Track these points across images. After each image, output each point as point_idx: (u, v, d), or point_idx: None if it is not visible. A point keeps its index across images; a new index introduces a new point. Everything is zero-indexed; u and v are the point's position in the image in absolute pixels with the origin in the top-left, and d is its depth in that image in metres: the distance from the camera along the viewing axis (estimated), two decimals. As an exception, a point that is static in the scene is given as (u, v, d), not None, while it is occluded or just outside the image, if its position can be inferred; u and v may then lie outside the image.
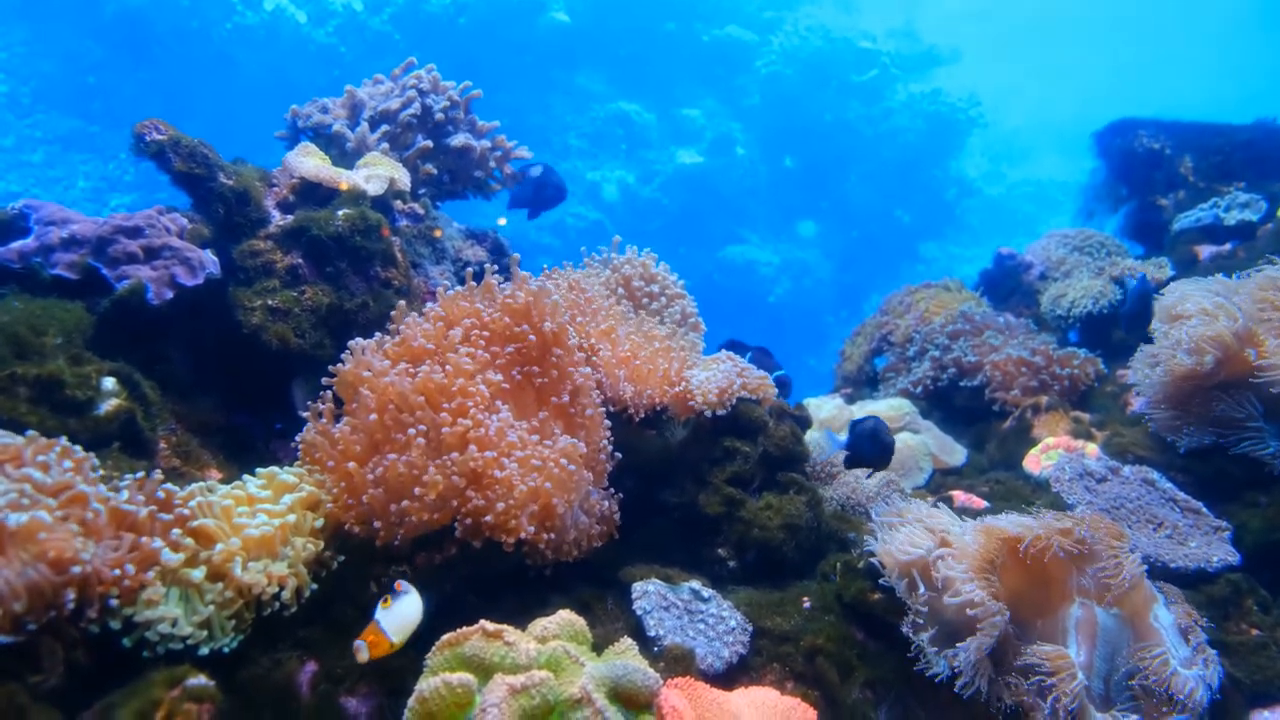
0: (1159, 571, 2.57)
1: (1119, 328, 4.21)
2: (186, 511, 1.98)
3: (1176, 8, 27.53)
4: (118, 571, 1.74)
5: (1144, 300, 3.46)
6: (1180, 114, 5.27)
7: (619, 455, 2.62)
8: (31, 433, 1.88)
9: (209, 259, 2.75)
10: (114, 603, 1.75)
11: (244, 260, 2.83)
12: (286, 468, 2.37)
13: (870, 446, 2.79)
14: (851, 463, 2.90)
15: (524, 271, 2.69)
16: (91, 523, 1.76)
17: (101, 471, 1.94)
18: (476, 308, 2.56)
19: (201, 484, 2.18)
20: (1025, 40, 29.38)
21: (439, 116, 3.64)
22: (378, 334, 2.55)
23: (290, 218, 2.96)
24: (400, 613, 1.87)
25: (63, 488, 1.76)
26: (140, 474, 2.00)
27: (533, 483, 2.20)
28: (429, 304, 2.74)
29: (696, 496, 2.77)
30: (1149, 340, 3.19)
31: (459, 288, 2.66)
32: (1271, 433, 2.85)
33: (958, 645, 2.00)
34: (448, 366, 2.33)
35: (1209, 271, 3.72)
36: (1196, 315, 2.96)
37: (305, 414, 2.43)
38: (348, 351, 2.45)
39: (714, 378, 2.84)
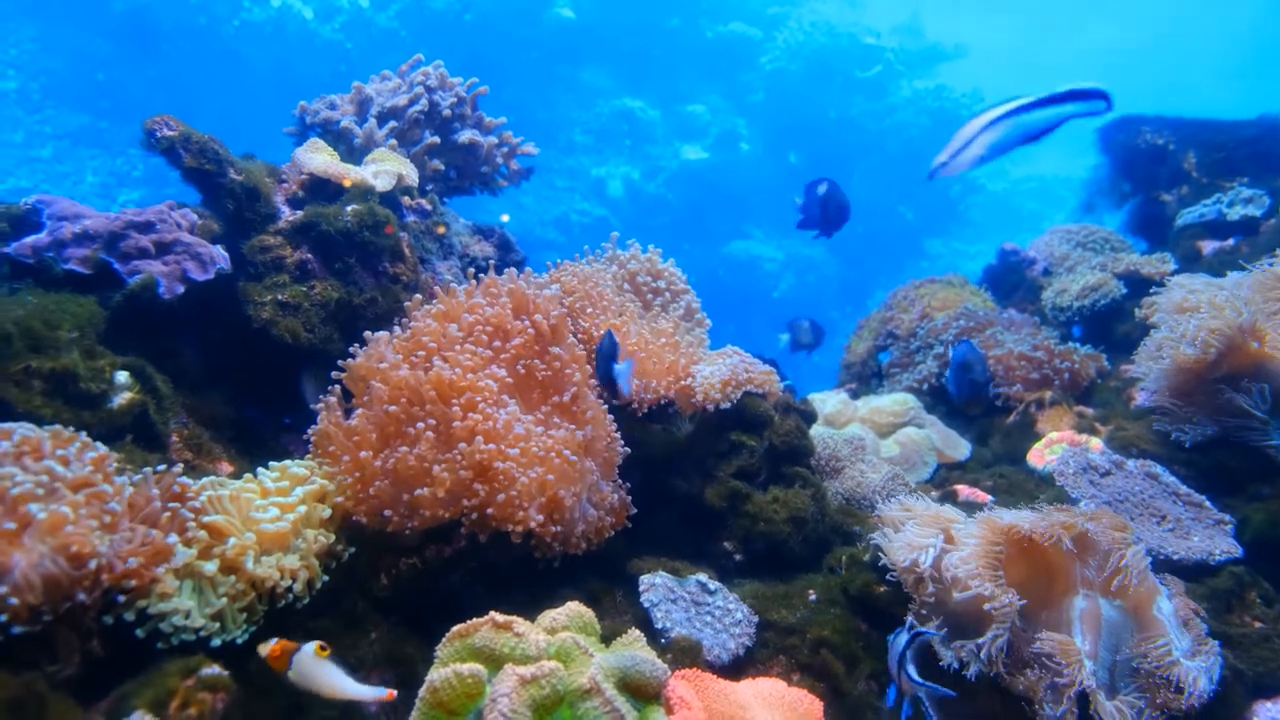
0: (1162, 564, 2.58)
1: (1121, 322, 4.23)
2: (199, 505, 2.00)
3: (1182, 3, 27.46)
4: (133, 563, 1.77)
5: (961, 370, 3.14)
6: (1185, 110, 5.27)
7: (627, 449, 2.64)
8: (57, 427, 1.90)
9: (219, 254, 2.77)
10: (122, 598, 1.77)
11: (254, 255, 2.85)
12: (297, 460, 2.39)
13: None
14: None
15: (508, 272, 2.71)
16: (110, 518, 1.79)
17: (115, 464, 1.97)
18: (476, 303, 2.58)
19: (213, 478, 2.20)
20: (1029, 35, 29.33)
21: (446, 113, 3.66)
22: (396, 328, 2.58)
23: (299, 213, 2.98)
24: (314, 669, 1.75)
25: (83, 483, 1.79)
26: (162, 467, 2.02)
27: (535, 474, 2.22)
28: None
29: (703, 490, 2.79)
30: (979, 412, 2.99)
31: (457, 284, 2.69)
32: (1276, 426, 2.86)
33: (978, 640, 2.02)
34: (456, 368, 2.35)
35: (1212, 266, 3.73)
36: (1203, 307, 2.97)
37: (315, 407, 2.46)
38: (357, 345, 2.48)
39: (718, 372, 2.86)
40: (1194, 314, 2.97)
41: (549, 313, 2.58)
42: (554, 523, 2.26)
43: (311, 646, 1.77)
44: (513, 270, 2.72)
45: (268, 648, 1.77)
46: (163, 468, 2.02)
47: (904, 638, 2.04)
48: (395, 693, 1.80)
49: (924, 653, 2.07)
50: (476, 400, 2.28)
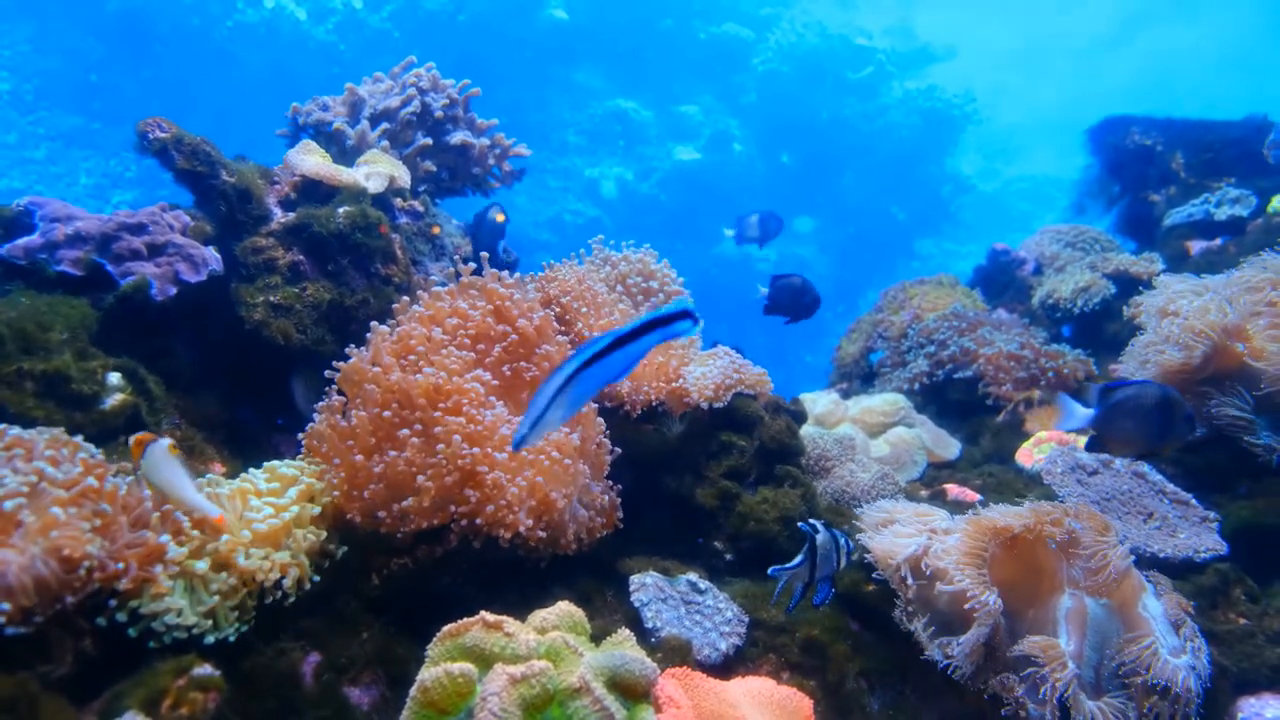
0: (1149, 561, 2.61)
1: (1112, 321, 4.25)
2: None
3: (1172, 4, 27.53)
4: (123, 565, 1.78)
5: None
6: (1176, 110, 5.31)
7: (618, 450, 2.65)
8: (56, 431, 1.91)
9: (212, 256, 2.78)
10: (113, 602, 1.79)
11: (246, 257, 2.86)
12: (287, 461, 2.40)
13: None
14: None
15: (495, 270, 2.71)
16: (102, 520, 1.79)
17: (100, 468, 1.97)
18: (458, 306, 2.58)
19: (210, 477, 2.22)
20: (1020, 37, 29.39)
21: (438, 114, 3.67)
22: (385, 329, 2.58)
23: (292, 215, 2.99)
24: (160, 464, 1.86)
25: (74, 484, 1.79)
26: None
27: (524, 480, 2.23)
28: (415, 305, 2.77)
29: (693, 490, 2.80)
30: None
31: (438, 288, 2.69)
32: (1262, 425, 2.89)
33: (961, 637, 2.04)
34: (443, 372, 2.36)
35: (1200, 266, 3.76)
36: (1188, 310, 2.99)
37: (316, 408, 2.46)
38: (353, 346, 2.48)
39: (710, 373, 2.87)
40: (1178, 317, 2.99)
41: (531, 315, 2.59)
42: (544, 526, 2.27)
43: (165, 442, 1.85)
44: (493, 270, 2.71)
45: (134, 438, 1.87)
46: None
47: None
48: (225, 516, 1.88)
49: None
50: (462, 403, 2.29)
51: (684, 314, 1.58)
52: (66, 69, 15.01)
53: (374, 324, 2.51)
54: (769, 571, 2.21)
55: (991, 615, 2.01)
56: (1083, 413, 2.52)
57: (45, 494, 1.74)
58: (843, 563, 2.19)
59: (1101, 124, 5.41)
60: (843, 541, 2.19)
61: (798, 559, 2.15)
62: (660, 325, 1.57)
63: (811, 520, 2.21)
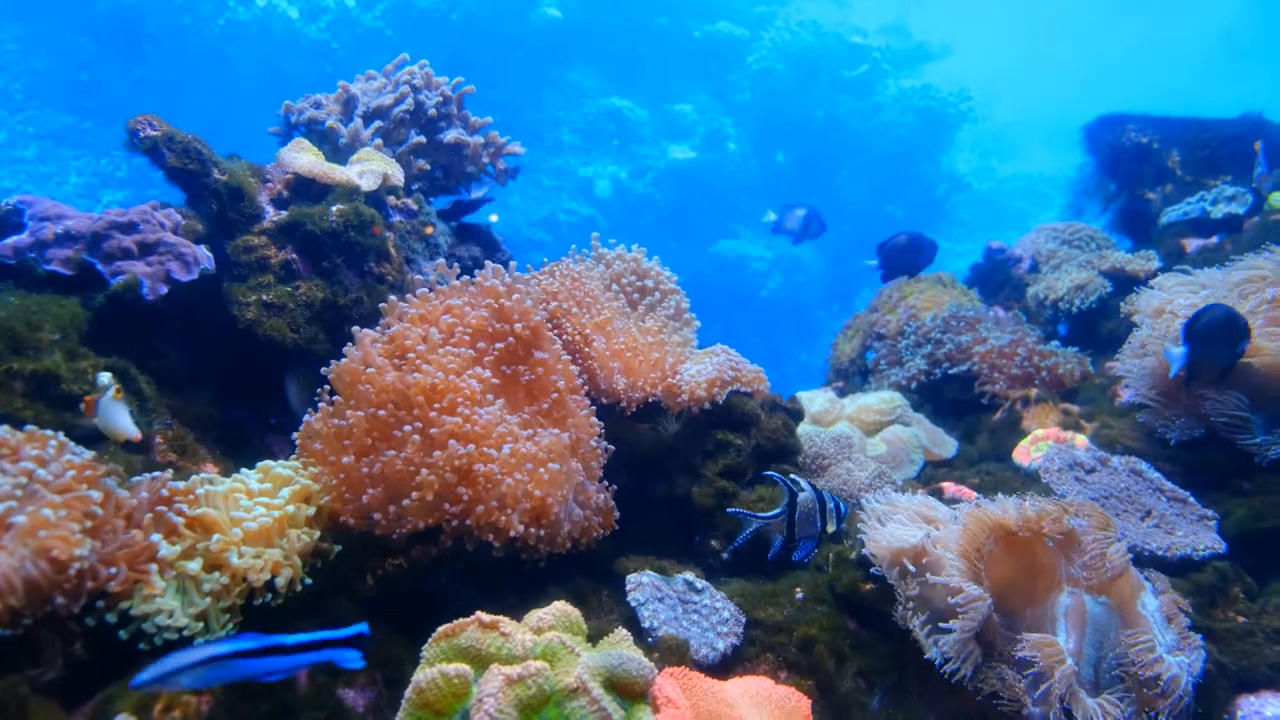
0: (1147, 560, 2.60)
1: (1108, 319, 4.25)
2: (186, 505, 1.99)
3: (1167, 2, 27.62)
4: (115, 569, 1.76)
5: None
6: (1170, 109, 5.30)
7: (612, 448, 2.64)
8: (30, 427, 1.89)
9: (203, 254, 2.76)
10: (100, 604, 1.77)
11: (238, 255, 2.83)
12: (281, 461, 2.38)
13: None
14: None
15: (496, 267, 2.70)
16: (92, 521, 1.77)
17: (90, 469, 1.95)
18: (450, 304, 2.56)
19: (205, 475, 2.20)
20: (1015, 35, 29.47)
21: (432, 112, 3.65)
22: (379, 327, 2.56)
23: (284, 213, 2.97)
24: (109, 408, 2.16)
25: (64, 487, 1.77)
26: (156, 474, 2.01)
27: (516, 480, 2.21)
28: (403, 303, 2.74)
29: (689, 489, 2.79)
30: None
31: (423, 290, 2.67)
32: (1258, 423, 2.88)
33: (950, 626, 2.03)
34: (439, 372, 2.34)
35: (1196, 264, 3.75)
36: (1185, 309, 2.99)
37: (300, 408, 2.44)
38: (350, 345, 2.46)
39: (705, 370, 2.86)
40: (1175, 316, 2.98)
41: (529, 318, 2.57)
42: (539, 526, 2.26)
43: (111, 390, 2.17)
44: (496, 268, 2.70)
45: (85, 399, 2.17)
46: (156, 474, 2.01)
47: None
48: (140, 435, 2.21)
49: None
50: (457, 403, 2.27)
51: (356, 639, 1.62)
52: (56, 67, 14.95)
53: (356, 329, 2.48)
54: (727, 510, 2.19)
55: (977, 609, 1.99)
56: (1179, 351, 2.82)
57: (36, 495, 1.72)
58: (833, 526, 2.18)
59: (1097, 121, 5.40)
60: (831, 505, 2.16)
61: (775, 510, 2.16)
62: (329, 647, 1.61)
63: (794, 478, 2.19)
